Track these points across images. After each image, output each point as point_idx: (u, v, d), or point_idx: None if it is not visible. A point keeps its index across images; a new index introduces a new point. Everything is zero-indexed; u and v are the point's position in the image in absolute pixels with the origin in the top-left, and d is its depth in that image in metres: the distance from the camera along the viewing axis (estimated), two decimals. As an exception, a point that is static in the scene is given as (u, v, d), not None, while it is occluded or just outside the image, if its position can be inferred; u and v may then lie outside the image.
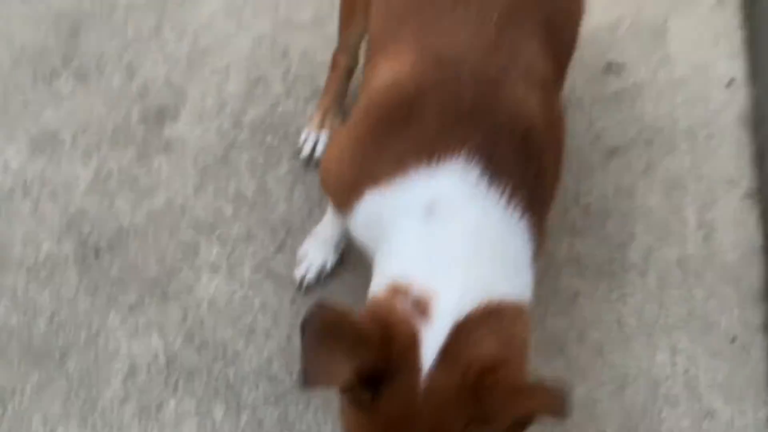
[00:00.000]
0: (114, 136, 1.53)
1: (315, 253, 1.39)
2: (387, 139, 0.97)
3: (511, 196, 0.91)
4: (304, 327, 0.75)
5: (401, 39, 1.04)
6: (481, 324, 0.81)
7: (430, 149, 0.90)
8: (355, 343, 0.75)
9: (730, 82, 1.58)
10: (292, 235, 1.44)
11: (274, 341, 1.33)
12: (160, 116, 1.56)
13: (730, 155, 1.51)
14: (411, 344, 0.78)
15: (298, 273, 1.39)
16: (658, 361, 1.29)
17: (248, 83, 1.61)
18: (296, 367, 1.16)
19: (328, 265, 1.40)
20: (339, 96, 1.52)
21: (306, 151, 1.50)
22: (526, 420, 0.76)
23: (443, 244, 0.87)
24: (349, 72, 1.50)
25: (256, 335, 1.34)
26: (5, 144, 1.51)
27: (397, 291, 0.84)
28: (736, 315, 1.34)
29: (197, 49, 1.65)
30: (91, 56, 1.62)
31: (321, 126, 1.51)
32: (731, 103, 1.56)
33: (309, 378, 0.75)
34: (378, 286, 0.88)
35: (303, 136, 1.53)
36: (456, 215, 0.89)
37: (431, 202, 0.89)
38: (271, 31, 1.68)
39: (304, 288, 1.39)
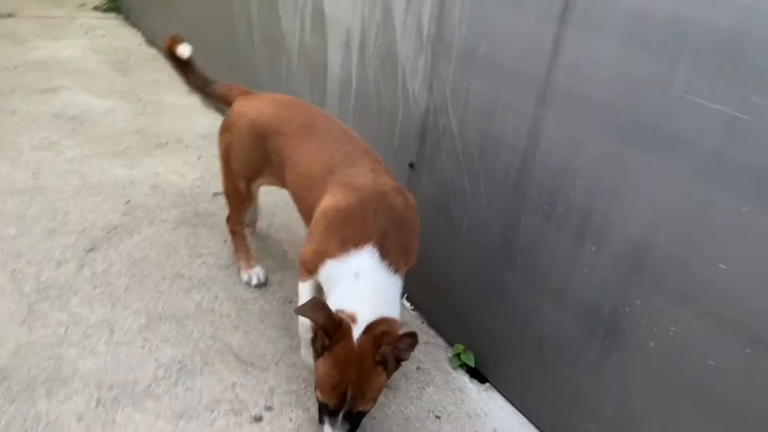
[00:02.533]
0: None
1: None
2: (336, 234, 1.83)
3: (392, 263, 1.82)
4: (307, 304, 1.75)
5: (331, 187, 1.95)
6: (379, 323, 1.81)
7: (356, 240, 1.80)
8: (327, 315, 1.69)
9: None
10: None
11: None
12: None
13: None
14: (348, 330, 1.72)
15: None
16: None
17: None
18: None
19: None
20: (244, 247, 2.66)
21: (254, 281, 2.63)
22: (400, 355, 1.73)
23: (362, 293, 1.79)
24: (242, 233, 2.66)
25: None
26: None
27: (341, 312, 1.74)
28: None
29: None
30: None
31: (248, 266, 2.65)
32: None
33: (302, 311, 1.75)
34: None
35: (244, 277, 2.64)
36: (367, 278, 1.79)
37: (357, 271, 1.80)
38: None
39: None
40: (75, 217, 2.89)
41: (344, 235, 1.84)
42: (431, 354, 2.41)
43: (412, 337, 1.70)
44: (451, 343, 2.46)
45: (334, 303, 1.78)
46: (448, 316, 2.48)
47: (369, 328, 1.73)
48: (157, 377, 2.09)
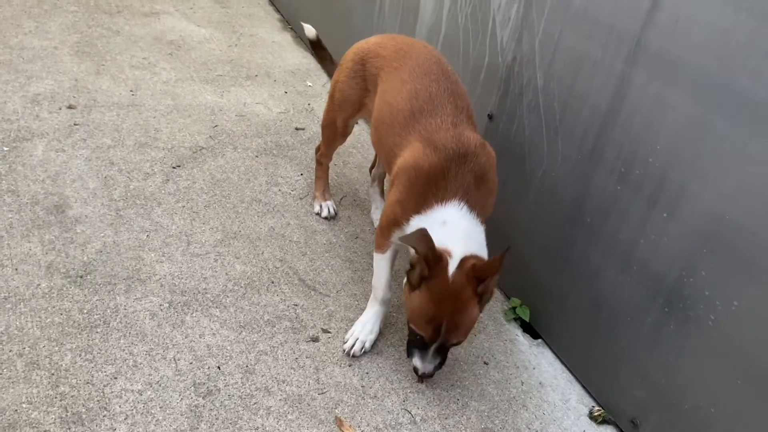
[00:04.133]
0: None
1: (359, 333, 2.11)
2: (420, 194, 1.86)
3: (477, 213, 1.86)
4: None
5: (412, 138, 1.96)
6: (469, 258, 1.84)
7: (441, 196, 1.83)
8: (431, 246, 1.73)
9: None
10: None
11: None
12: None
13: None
14: (446, 264, 1.75)
15: (347, 346, 2.08)
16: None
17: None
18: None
19: (368, 344, 2.11)
20: (325, 179, 2.76)
21: (324, 212, 2.73)
22: (490, 284, 1.78)
23: (452, 233, 1.80)
24: (327, 165, 2.75)
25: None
26: None
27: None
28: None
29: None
30: None
31: (323, 198, 2.75)
32: None
33: (407, 240, 1.78)
34: None
35: (316, 207, 2.75)
36: (456, 222, 1.82)
37: (444, 219, 1.82)
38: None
39: (351, 356, 2.08)
40: (165, 135, 3.06)
41: (428, 194, 1.86)
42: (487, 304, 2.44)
43: (500, 260, 1.72)
44: (508, 296, 2.49)
45: None
46: (508, 270, 2.48)
47: (463, 263, 1.76)
48: (226, 289, 2.22)
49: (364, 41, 2.41)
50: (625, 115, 1.88)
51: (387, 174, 2.28)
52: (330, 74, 2.79)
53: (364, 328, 2.12)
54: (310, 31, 2.83)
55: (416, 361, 1.85)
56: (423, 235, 1.72)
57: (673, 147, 1.73)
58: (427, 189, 1.86)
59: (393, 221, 1.96)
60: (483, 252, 1.86)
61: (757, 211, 1.53)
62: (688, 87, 1.68)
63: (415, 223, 1.87)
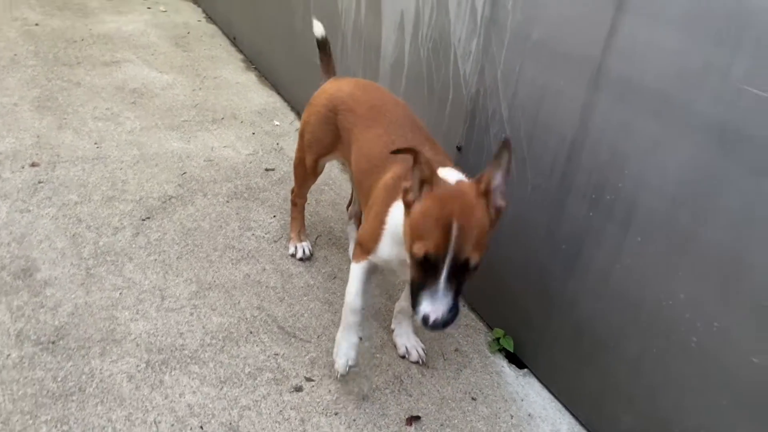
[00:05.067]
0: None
1: (341, 352, 2.04)
2: (395, 198, 1.78)
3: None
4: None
5: (390, 166, 1.93)
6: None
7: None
8: (427, 161, 1.55)
9: None
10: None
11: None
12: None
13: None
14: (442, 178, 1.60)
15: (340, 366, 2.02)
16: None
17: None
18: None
19: (350, 361, 2.03)
20: (300, 220, 2.74)
21: (299, 254, 2.70)
22: (498, 202, 1.59)
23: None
24: (302, 206, 2.73)
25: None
26: None
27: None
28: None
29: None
30: None
31: (299, 239, 2.73)
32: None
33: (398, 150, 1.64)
34: None
35: (291, 248, 2.72)
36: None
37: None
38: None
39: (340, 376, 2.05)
40: (132, 187, 3.01)
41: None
42: (471, 337, 2.43)
43: (507, 149, 1.57)
44: (491, 327, 2.47)
45: None
46: (490, 301, 2.49)
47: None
48: (203, 343, 2.17)
49: (336, 87, 2.38)
50: (592, 142, 1.90)
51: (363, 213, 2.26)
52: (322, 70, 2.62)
53: (341, 346, 2.05)
54: (318, 28, 2.60)
55: (425, 305, 1.52)
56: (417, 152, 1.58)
57: (641, 171, 1.75)
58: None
59: (372, 237, 1.90)
60: None
61: (729, 230, 1.55)
62: (650, 111, 1.70)
63: (394, 213, 1.80)
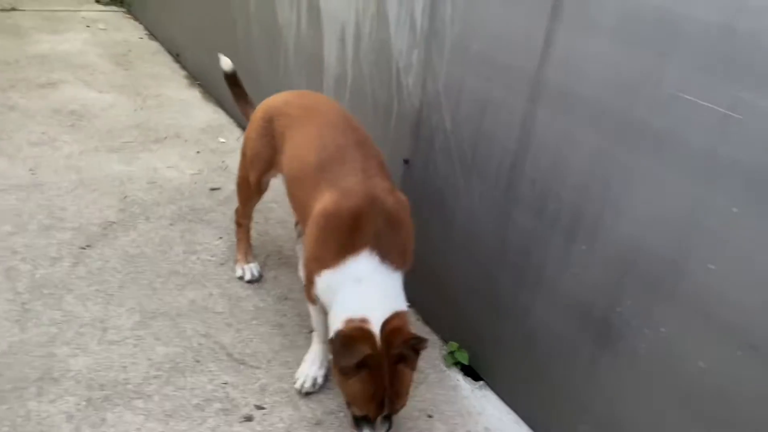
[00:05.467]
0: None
1: (308, 370, 2.11)
2: (329, 242, 1.79)
3: (392, 263, 1.79)
4: (335, 338, 1.73)
5: (322, 188, 1.88)
6: (391, 319, 1.77)
7: (352, 247, 1.75)
8: (361, 342, 1.66)
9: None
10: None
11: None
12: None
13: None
14: (373, 340, 1.67)
15: (298, 385, 2.08)
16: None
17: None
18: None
19: (320, 379, 2.11)
20: (246, 241, 2.67)
21: (247, 276, 2.62)
22: (417, 346, 1.71)
23: (368, 295, 1.75)
24: (247, 226, 2.66)
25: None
26: None
27: (350, 320, 1.70)
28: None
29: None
30: None
31: (246, 261, 2.65)
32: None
33: (340, 364, 1.72)
34: (337, 322, 1.74)
35: (238, 271, 2.64)
36: (371, 280, 1.75)
37: (358, 276, 1.74)
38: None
39: (305, 394, 2.08)
40: (71, 214, 2.89)
41: (339, 244, 1.79)
42: (425, 352, 2.36)
43: (422, 338, 1.73)
44: (445, 340, 2.45)
45: (340, 311, 1.76)
46: (443, 314, 2.46)
47: (385, 326, 1.70)
48: (148, 376, 2.08)
49: (273, 98, 2.37)
50: (534, 152, 1.89)
51: (298, 235, 2.23)
52: (246, 116, 2.64)
53: (312, 365, 2.11)
54: (226, 63, 2.68)
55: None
56: (343, 344, 1.69)
57: (583, 180, 1.75)
58: (338, 237, 1.80)
59: (312, 274, 1.89)
60: (400, 303, 1.81)
61: (670, 237, 1.55)
62: (589, 121, 1.70)
63: (327, 279, 1.81)
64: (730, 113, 1.38)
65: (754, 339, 1.42)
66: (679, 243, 1.53)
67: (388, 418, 1.78)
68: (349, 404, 1.80)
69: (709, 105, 1.42)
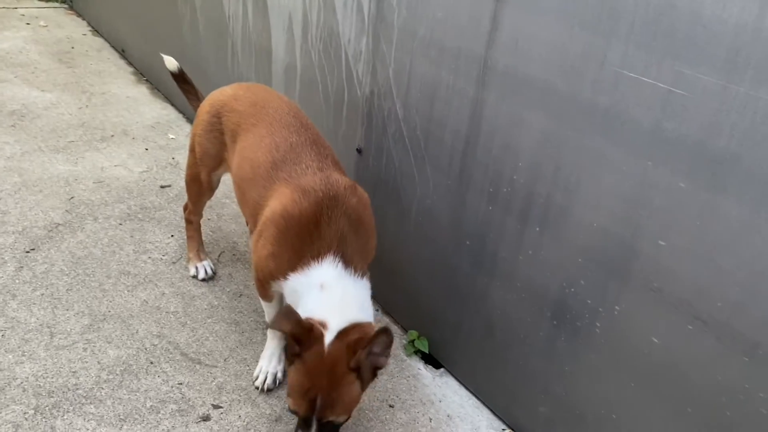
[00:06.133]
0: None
1: (267, 366, 2.07)
2: (291, 245, 1.73)
3: (356, 268, 1.74)
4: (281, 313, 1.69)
5: (278, 185, 1.84)
6: (352, 329, 1.71)
7: (315, 251, 1.71)
8: (296, 321, 1.59)
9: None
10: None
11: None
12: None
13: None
14: (320, 337, 1.62)
15: (258, 382, 2.05)
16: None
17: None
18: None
19: (279, 374, 2.08)
20: (198, 238, 2.60)
21: (201, 274, 2.56)
22: (376, 362, 1.63)
23: (330, 301, 1.69)
24: (198, 224, 2.59)
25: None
26: None
27: (311, 319, 1.64)
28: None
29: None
30: None
31: (198, 258, 2.59)
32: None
33: (273, 324, 1.72)
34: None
35: (191, 269, 2.57)
36: (334, 287, 1.70)
37: (321, 282, 1.70)
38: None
39: (266, 390, 2.05)
40: (14, 217, 2.78)
41: (301, 246, 1.74)
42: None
43: (386, 334, 1.58)
44: (405, 329, 2.43)
45: (302, 312, 1.69)
46: (402, 303, 2.45)
47: (341, 335, 1.64)
48: (99, 380, 2.01)
49: (219, 92, 2.30)
50: (485, 136, 1.88)
51: (251, 232, 2.19)
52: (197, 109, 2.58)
53: (271, 361, 2.09)
54: (171, 63, 2.63)
55: None
56: (286, 313, 1.61)
57: (534, 162, 1.75)
58: (300, 240, 1.75)
59: (269, 275, 1.83)
60: (366, 314, 1.75)
61: (619, 216, 1.56)
62: (537, 102, 1.69)
63: (294, 283, 1.75)
64: (673, 89, 1.39)
65: (702, 313, 1.43)
66: (629, 221, 1.54)
67: (329, 428, 1.66)
68: (287, 396, 1.70)
69: (652, 82, 1.43)
